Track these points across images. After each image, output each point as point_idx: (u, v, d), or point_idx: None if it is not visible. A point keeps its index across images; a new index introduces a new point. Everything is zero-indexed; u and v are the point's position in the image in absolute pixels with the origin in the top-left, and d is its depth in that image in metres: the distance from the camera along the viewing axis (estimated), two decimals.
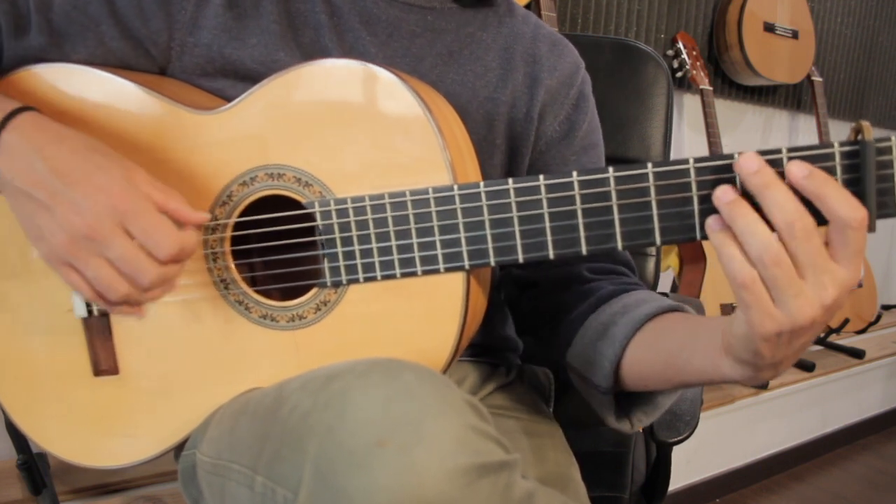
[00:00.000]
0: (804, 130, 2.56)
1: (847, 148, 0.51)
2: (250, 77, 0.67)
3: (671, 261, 1.89)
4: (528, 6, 1.51)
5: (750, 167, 0.50)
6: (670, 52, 2.02)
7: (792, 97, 2.45)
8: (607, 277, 0.77)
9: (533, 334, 0.85)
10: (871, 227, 0.51)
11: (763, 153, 0.51)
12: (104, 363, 0.68)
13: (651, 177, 0.55)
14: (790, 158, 0.51)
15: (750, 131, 2.40)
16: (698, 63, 1.98)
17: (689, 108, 2.16)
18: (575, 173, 0.57)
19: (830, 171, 0.51)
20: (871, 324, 2.46)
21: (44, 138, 0.56)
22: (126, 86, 0.66)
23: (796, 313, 0.48)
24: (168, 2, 0.68)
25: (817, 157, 0.51)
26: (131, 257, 0.55)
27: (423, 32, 0.75)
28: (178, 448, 0.70)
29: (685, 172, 0.54)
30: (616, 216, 0.56)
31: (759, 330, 0.50)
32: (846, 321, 2.30)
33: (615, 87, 1.12)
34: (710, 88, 1.97)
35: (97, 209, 0.54)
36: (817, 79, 2.32)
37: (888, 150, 0.50)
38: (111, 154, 0.58)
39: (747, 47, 2.05)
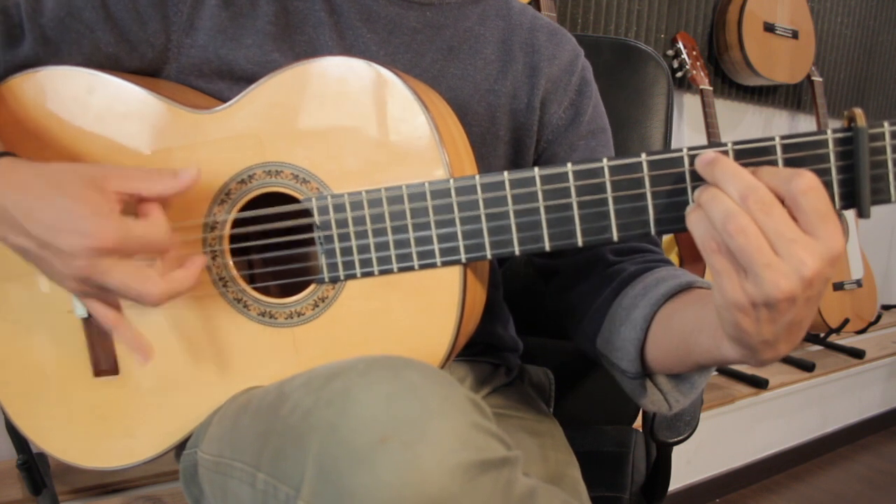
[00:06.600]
0: (804, 130, 2.55)
1: (840, 135, 0.51)
2: (245, 78, 0.67)
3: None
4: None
5: (705, 158, 0.51)
6: (670, 52, 2.02)
7: (792, 97, 2.46)
8: (630, 258, 0.75)
9: (568, 329, 0.82)
10: (867, 213, 0.51)
11: (756, 141, 0.52)
12: (104, 363, 0.68)
13: (645, 166, 0.55)
14: (784, 146, 0.52)
15: (750, 131, 2.41)
16: (698, 63, 1.98)
17: (689, 108, 2.16)
18: (569, 164, 0.57)
19: (824, 159, 0.52)
20: (871, 324, 2.45)
21: (8, 190, 0.56)
22: (124, 86, 0.66)
23: (767, 284, 0.47)
24: (164, 3, 0.68)
25: (811, 145, 0.52)
26: (132, 278, 0.56)
27: (422, 28, 0.75)
28: (179, 447, 0.70)
29: (679, 161, 0.54)
30: (611, 206, 0.56)
31: (730, 298, 0.49)
32: (846, 321, 2.30)
33: (615, 87, 1.12)
34: (710, 88, 1.98)
35: (87, 253, 0.55)
36: (817, 79, 2.32)
37: (881, 136, 0.50)
38: (73, 185, 0.56)
39: (747, 47, 2.05)
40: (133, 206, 0.59)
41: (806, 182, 0.47)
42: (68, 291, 0.60)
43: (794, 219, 0.48)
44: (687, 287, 0.67)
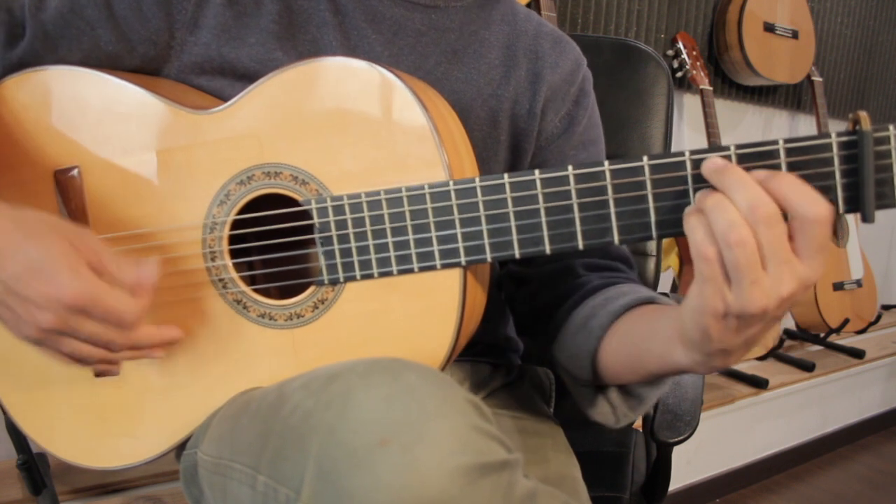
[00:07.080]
0: (804, 130, 2.56)
1: (845, 138, 0.51)
2: (248, 76, 0.67)
3: (671, 261, 1.89)
4: (528, 6, 1.51)
5: (714, 164, 0.51)
6: (670, 52, 2.02)
7: (792, 97, 2.46)
8: (598, 273, 0.77)
9: (527, 332, 0.85)
10: (870, 218, 0.51)
11: (759, 144, 0.51)
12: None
13: (647, 170, 0.55)
14: (787, 150, 0.51)
15: (750, 131, 2.40)
16: (698, 63, 1.98)
17: (689, 108, 2.16)
18: (570, 167, 0.57)
19: (828, 162, 0.51)
20: (871, 324, 2.46)
21: None
22: (124, 86, 0.66)
23: (748, 300, 0.48)
24: (168, 1, 0.68)
25: (815, 148, 0.51)
26: (101, 333, 0.57)
27: (428, 31, 0.75)
28: (180, 448, 0.70)
29: (681, 165, 0.54)
30: (612, 210, 0.56)
31: (709, 304, 0.50)
32: (846, 321, 2.30)
33: (615, 87, 1.12)
34: (710, 88, 1.97)
35: (53, 306, 0.54)
36: (817, 79, 2.32)
37: (886, 140, 0.50)
38: (49, 237, 0.55)
39: (747, 47, 2.05)
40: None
41: (824, 213, 0.48)
42: (24, 340, 0.58)
43: (790, 237, 0.49)
44: (647, 302, 0.68)
